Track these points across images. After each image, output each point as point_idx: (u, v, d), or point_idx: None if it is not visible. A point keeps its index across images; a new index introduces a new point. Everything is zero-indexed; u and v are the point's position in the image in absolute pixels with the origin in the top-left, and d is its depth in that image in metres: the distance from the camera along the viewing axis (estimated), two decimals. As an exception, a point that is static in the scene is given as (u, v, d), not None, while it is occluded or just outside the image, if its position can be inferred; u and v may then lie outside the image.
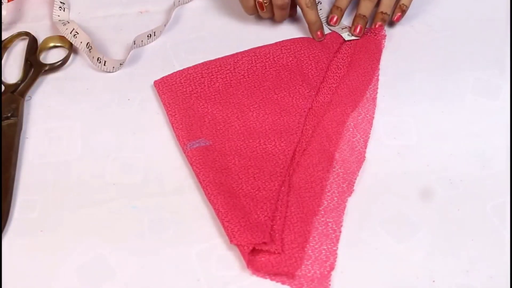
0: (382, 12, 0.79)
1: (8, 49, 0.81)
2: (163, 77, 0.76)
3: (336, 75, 0.76)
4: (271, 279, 0.60)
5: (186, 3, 0.86)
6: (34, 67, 0.78)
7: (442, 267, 0.60)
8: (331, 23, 0.81)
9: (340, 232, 0.63)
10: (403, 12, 0.80)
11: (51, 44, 0.82)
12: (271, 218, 0.62)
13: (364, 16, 0.79)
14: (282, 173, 0.66)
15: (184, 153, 0.69)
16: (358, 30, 0.79)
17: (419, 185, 0.66)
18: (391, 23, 0.81)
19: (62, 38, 0.81)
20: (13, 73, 0.78)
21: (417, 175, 0.67)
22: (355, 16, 0.80)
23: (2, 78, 0.77)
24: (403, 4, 0.80)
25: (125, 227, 0.64)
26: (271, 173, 0.66)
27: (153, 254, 0.62)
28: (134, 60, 0.79)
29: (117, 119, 0.73)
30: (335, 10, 0.81)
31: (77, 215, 0.65)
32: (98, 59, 0.77)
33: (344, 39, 0.80)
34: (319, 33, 0.79)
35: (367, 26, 0.80)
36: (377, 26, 0.80)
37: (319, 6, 0.82)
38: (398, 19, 0.80)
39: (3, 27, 0.83)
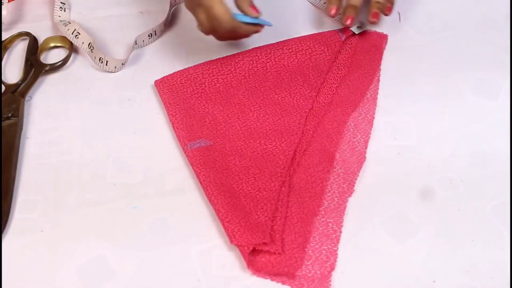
0: (376, 1, 0.79)
1: (9, 49, 0.82)
2: (163, 76, 0.76)
3: (336, 76, 0.76)
4: (272, 280, 0.60)
5: (182, 2, 0.86)
6: (35, 67, 0.78)
7: (442, 267, 0.60)
8: (330, 14, 0.79)
9: (340, 232, 0.63)
10: (392, 3, 0.79)
11: (52, 44, 0.82)
12: (271, 218, 0.62)
13: (355, 6, 0.79)
14: (282, 173, 0.66)
15: (185, 153, 0.69)
16: (349, 21, 0.78)
17: (419, 185, 0.66)
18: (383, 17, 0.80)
19: (62, 38, 0.81)
20: (13, 73, 0.78)
21: (417, 175, 0.67)
22: (346, 7, 0.79)
23: (3, 78, 0.77)
24: None
25: (125, 227, 0.64)
26: (271, 173, 0.66)
27: (153, 254, 0.62)
28: (135, 60, 0.80)
29: (117, 119, 0.73)
30: (350, 9, 0.79)
31: (77, 215, 0.65)
32: (100, 59, 0.78)
33: (344, 37, 0.80)
34: (333, 10, 0.78)
35: (369, 29, 0.80)
36: (372, 13, 0.78)
37: None
38: (390, 10, 0.78)
39: (3, 27, 0.83)
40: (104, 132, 0.72)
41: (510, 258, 0.60)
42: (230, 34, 0.74)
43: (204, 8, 0.71)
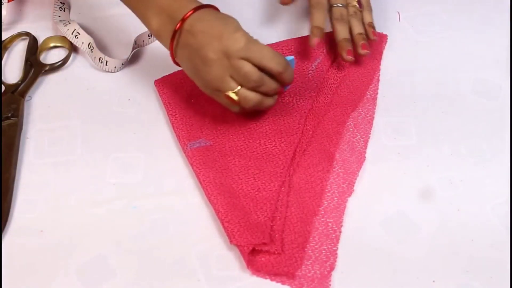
0: (358, 34, 0.76)
1: (8, 49, 0.82)
2: (163, 76, 0.76)
3: (336, 75, 0.76)
4: (271, 279, 0.60)
5: None
6: (34, 67, 0.78)
7: (442, 267, 0.60)
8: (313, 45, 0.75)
9: (340, 232, 0.63)
10: (373, 28, 0.77)
11: (51, 44, 0.82)
12: (271, 218, 0.62)
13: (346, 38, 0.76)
14: (282, 173, 0.66)
15: (184, 153, 0.69)
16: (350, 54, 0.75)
17: (419, 185, 0.66)
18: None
19: (62, 38, 0.81)
20: (13, 73, 0.78)
21: (417, 175, 0.67)
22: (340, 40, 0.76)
23: (2, 78, 0.77)
24: (369, 22, 0.77)
25: (125, 227, 0.64)
26: (271, 174, 0.66)
27: (153, 254, 0.62)
28: (134, 60, 0.80)
29: (117, 119, 0.73)
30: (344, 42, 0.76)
31: (77, 215, 0.65)
32: (100, 59, 0.78)
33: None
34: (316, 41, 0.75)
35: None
36: (361, 45, 0.75)
37: None
38: (375, 33, 0.77)
39: (3, 27, 0.83)
40: (104, 132, 0.72)
41: (510, 258, 0.60)
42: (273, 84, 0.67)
43: (251, 50, 0.64)
